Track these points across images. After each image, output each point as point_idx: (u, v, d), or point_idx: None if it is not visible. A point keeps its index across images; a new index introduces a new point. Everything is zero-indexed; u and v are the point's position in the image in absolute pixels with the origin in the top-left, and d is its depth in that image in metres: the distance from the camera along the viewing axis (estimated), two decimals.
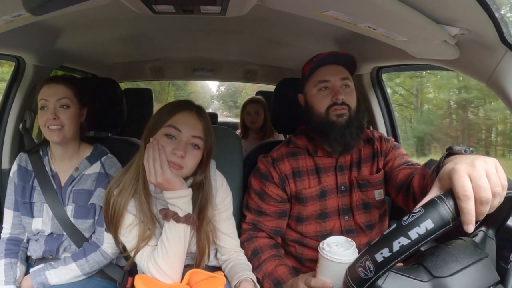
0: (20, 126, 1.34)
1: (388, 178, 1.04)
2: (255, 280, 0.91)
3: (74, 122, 1.04)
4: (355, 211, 1.04)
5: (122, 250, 0.95)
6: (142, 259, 0.87)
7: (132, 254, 0.88)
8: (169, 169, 0.82)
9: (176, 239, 0.84)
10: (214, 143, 0.93)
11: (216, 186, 0.98)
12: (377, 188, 1.05)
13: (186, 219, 0.84)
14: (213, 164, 1.00)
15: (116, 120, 1.37)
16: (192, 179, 0.93)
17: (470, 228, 0.47)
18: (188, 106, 0.90)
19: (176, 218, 0.84)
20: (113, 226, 0.88)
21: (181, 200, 0.84)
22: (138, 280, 0.83)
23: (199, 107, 0.92)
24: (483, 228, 0.60)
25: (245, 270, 0.93)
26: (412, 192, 0.88)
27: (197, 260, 0.92)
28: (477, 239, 0.59)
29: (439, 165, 0.67)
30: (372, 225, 1.05)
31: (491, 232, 0.60)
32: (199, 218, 0.91)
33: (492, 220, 0.60)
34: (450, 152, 0.63)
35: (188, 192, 0.85)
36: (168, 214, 0.84)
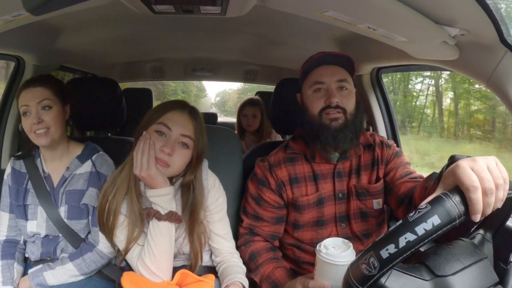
0: (20, 126, 1.34)
1: (389, 189, 1.02)
2: (245, 283, 0.90)
3: (59, 122, 1.02)
4: (352, 219, 1.02)
5: (116, 251, 0.95)
6: (132, 258, 0.88)
7: (124, 253, 0.89)
8: (155, 165, 0.83)
9: (160, 237, 0.84)
10: (206, 145, 0.93)
11: (207, 186, 0.97)
12: (375, 198, 1.03)
13: (168, 217, 0.84)
14: (205, 164, 0.99)
15: (115, 120, 1.37)
16: (182, 179, 0.92)
17: (478, 217, 0.48)
18: (181, 106, 0.91)
19: (158, 216, 0.84)
20: (108, 228, 0.88)
21: (162, 198, 0.84)
22: (125, 278, 0.83)
23: (193, 107, 0.92)
24: (481, 231, 0.61)
25: (236, 273, 0.92)
26: (413, 205, 0.87)
27: (192, 262, 0.92)
28: (475, 241, 0.59)
29: (441, 174, 0.68)
30: (369, 233, 1.04)
31: (488, 235, 0.60)
32: (191, 220, 0.91)
33: (490, 223, 0.61)
34: (453, 161, 0.64)
35: (169, 190, 0.85)
36: (150, 213, 0.85)
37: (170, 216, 0.85)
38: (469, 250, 0.55)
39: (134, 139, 0.89)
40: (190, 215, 0.91)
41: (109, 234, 0.89)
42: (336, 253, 0.71)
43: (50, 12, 0.66)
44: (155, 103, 2.44)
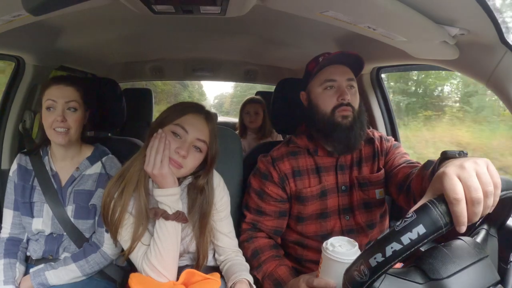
0: (20, 126, 1.34)
1: (389, 177, 1.04)
2: (251, 281, 0.91)
3: (80, 125, 1.04)
4: (356, 210, 1.04)
5: (119, 252, 0.95)
6: (137, 258, 0.88)
7: (127, 252, 0.89)
8: (168, 165, 0.83)
9: (167, 236, 0.85)
10: (218, 149, 0.94)
11: (213, 185, 0.98)
12: (377, 188, 1.05)
13: (175, 217, 0.85)
14: None
15: (116, 120, 1.37)
16: (191, 179, 0.93)
17: (462, 229, 0.47)
18: (198, 109, 0.92)
19: (165, 216, 0.85)
20: (113, 225, 0.88)
21: (169, 198, 0.85)
22: (132, 279, 0.83)
23: (208, 112, 0.94)
24: (485, 226, 0.60)
25: (242, 270, 0.93)
26: (412, 195, 0.88)
27: (199, 262, 0.93)
28: (479, 237, 0.59)
29: (434, 169, 0.68)
30: (373, 224, 1.05)
31: (493, 230, 0.60)
32: (202, 224, 0.92)
33: (494, 218, 0.60)
34: (445, 157, 0.63)
35: (177, 190, 0.86)
36: (158, 212, 0.85)
37: (177, 216, 0.85)
38: (467, 250, 0.55)
39: (147, 136, 0.90)
40: (202, 217, 0.92)
41: (114, 232, 0.89)
42: (343, 251, 0.71)
43: (50, 12, 0.66)
44: None
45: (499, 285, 0.53)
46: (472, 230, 0.61)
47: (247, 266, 0.98)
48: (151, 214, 0.87)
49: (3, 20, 0.79)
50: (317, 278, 0.77)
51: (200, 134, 0.89)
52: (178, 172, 0.87)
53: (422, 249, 0.50)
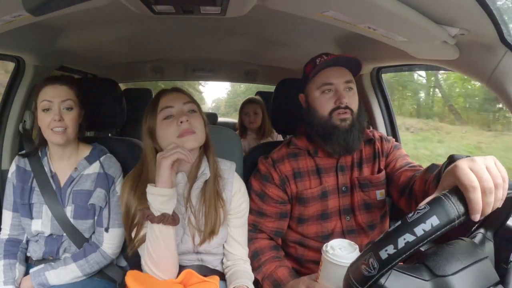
0: (20, 126, 1.34)
1: (390, 179, 1.04)
2: None
3: (76, 124, 1.04)
4: (357, 211, 1.04)
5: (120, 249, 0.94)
6: (143, 252, 0.88)
7: (137, 244, 0.89)
8: (167, 167, 0.83)
9: (155, 239, 0.83)
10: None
11: (232, 189, 0.98)
12: (378, 188, 1.05)
13: (159, 220, 0.82)
14: (233, 166, 1.03)
15: (116, 120, 1.37)
16: (207, 171, 0.94)
17: (477, 217, 0.48)
18: (167, 90, 0.96)
19: (151, 219, 0.82)
20: (133, 229, 0.89)
21: (156, 198, 0.82)
22: (129, 276, 0.83)
23: (176, 87, 0.98)
24: (481, 230, 0.61)
25: (246, 278, 0.93)
26: (414, 197, 0.88)
27: (205, 233, 0.91)
28: (476, 240, 0.59)
29: (440, 172, 0.68)
30: (374, 225, 1.05)
31: (489, 234, 0.61)
32: (207, 189, 0.92)
33: (490, 222, 0.61)
34: (451, 160, 0.64)
35: (167, 192, 0.82)
36: (145, 214, 0.83)
37: (163, 219, 0.82)
38: (469, 249, 0.55)
39: (145, 145, 0.94)
40: (216, 196, 0.93)
41: (134, 232, 0.89)
42: (343, 254, 0.71)
43: (50, 13, 0.66)
44: None
45: (499, 285, 0.53)
46: (469, 233, 0.62)
47: (252, 276, 0.97)
48: (139, 216, 0.86)
49: (3, 20, 0.79)
50: (318, 284, 0.76)
51: (182, 99, 0.92)
52: (195, 139, 0.89)
53: (422, 249, 0.50)
